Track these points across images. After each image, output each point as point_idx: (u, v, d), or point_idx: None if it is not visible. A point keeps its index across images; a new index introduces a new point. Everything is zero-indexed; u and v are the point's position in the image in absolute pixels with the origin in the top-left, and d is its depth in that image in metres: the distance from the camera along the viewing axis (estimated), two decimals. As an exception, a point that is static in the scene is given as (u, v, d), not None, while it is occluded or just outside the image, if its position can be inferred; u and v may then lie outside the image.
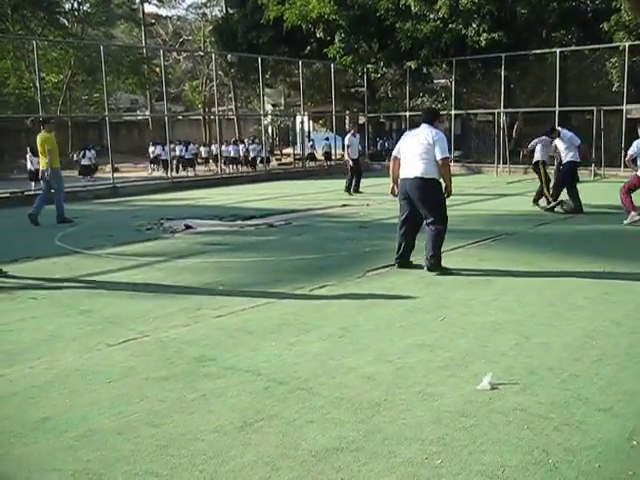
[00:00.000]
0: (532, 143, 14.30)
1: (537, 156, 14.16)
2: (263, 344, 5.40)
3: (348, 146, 18.74)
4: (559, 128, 13.94)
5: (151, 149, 34.03)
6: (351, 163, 18.64)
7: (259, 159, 32.04)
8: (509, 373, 4.60)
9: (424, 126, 8.13)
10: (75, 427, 3.95)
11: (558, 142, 13.43)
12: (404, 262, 8.31)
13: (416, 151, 7.93)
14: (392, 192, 8.50)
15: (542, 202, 14.02)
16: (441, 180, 8.03)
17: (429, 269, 7.99)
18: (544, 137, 13.96)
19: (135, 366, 4.95)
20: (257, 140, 35.04)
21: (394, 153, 8.36)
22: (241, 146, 34.24)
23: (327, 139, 34.61)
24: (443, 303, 6.60)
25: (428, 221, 8.00)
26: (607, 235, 10.72)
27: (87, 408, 4.23)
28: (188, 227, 12.49)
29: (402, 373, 4.67)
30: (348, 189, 18.38)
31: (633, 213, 11.56)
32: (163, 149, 31.11)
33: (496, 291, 7.06)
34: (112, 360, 5.11)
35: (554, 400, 4.14)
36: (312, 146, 35.72)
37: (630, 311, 6.18)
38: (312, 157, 34.62)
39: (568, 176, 13.37)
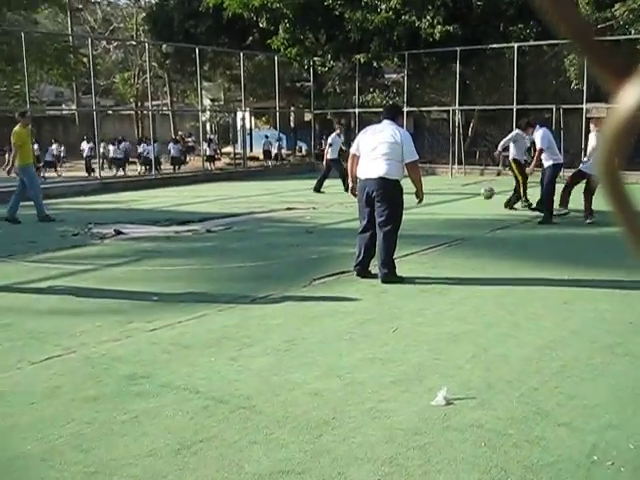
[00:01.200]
0: (504, 140, 14.45)
1: (511, 154, 14.32)
2: (201, 360, 5.37)
3: (330, 145, 19.34)
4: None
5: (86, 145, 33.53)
6: (325, 162, 19.55)
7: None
8: (466, 387, 4.67)
9: (386, 122, 8.23)
10: (-7, 453, 3.87)
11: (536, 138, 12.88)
12: (363, 270, 8.31)
13: (380, 150, 7.98)
14: (353, 192, 8.56)
15: (519, 205, 14.24)
16: (401, 182, 8.11)
17: (384, 280, 7.98)
18: (516, 132, 14.13)
19: (60, 386, 4.88)
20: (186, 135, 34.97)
21: (352, 150, 8.40)
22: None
23: (267, 137, 34.59)
24: (395, 313, 6.66)
25: (381, 222, 8.01)
26: (566, 239, 10.95)
27: (7, 433, 4.15)
28: (119, 232, 12.35)
29: (352, 389, 4.70)
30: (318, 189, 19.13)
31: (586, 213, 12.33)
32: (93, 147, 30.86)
33: (451, 300, 7.15)
34: (35, 379, 5.02)
35: (513, 415, 4.21)
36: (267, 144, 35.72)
37: (590, 320, 6.33)
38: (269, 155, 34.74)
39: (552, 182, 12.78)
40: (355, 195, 8.42)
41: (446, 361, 5.23)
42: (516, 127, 13.95)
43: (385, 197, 7.96)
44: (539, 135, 12.68)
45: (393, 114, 8.48)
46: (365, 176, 8.05)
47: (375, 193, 7.97)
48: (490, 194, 16.23)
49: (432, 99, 30.16)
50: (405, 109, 27.89)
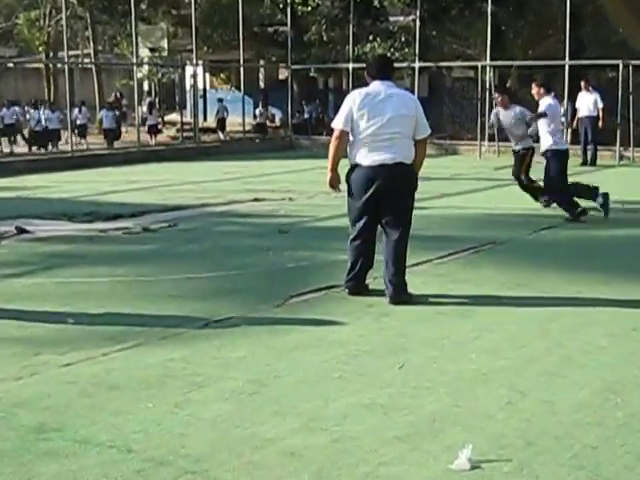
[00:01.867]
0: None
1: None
2: (135, 406, 5.35)
3: None
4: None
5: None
6: None
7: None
8: (498, 445, 4.66)
9: (386, 85, 8.21)
10: None
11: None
12: (359, 286, 8.35)
13: (394, 124, 8.01)
14: (333, 185, 8.54)
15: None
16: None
17: (396, 300, 7.97)
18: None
19: (-61, 440, 4.86)
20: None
21: (341, 125, 8.19)
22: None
23: (220, 100, 34.65)
24: (401, 344, 6.66)
25: (396, 223, 8.09)
26: (635, 244, 10.98)
27: None
28: (22, 231, 12.30)
29: (342, 446, 4.69)
30: None
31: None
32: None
33: (478, 326, 7.16)
34: None
35: (562, 484, 4.22)
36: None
37: (669, 355, 6.35)
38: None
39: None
40: (335, 188, 8.51)
41: (471, 409, 5.23)
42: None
43: (403, 191, 8.10)
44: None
45: (389, 70, 8.48)
46: (372, 161, 8.00)
47: (389, 184, 7.96)
48: None
49: (454, 51, 30.23)
50: (417, 65, 27.98)
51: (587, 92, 22.87)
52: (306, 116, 35.74)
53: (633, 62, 23.71)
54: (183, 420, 5.11)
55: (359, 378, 5.86)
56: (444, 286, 8.62)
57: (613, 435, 4.81)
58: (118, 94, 42.00)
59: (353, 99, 8.18)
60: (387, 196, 7.98)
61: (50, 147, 30.07)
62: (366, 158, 8.03)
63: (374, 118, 7.98)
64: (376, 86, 8.19)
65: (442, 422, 5.02)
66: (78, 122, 32.05)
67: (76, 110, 32.09)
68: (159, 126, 35.70)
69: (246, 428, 4.97)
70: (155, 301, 8.19)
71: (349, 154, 8.24)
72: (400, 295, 7.97)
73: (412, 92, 26.70)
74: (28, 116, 32.86)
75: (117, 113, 34.79)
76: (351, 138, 8.14)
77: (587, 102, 22.65)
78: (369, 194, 8.00)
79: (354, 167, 8.16)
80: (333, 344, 6.67)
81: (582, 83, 23.08)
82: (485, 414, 5.14)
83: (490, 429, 4.90)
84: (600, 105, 22.57)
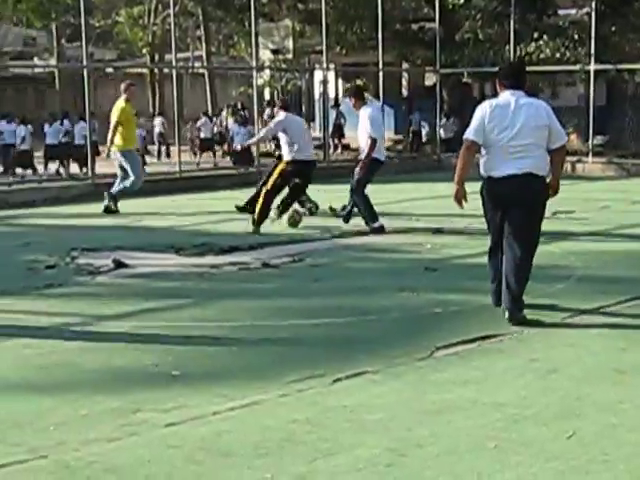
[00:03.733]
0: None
1: None
2: (250, 476, 5.39)
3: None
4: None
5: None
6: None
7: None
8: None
9: (517, 94, 9.19)
10: None
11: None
12: (499, 302, 9.23)
13: (526, 135, 8.97)
14: (459, 199, 9.49)
15: None
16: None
17: (513, 317, 8.91)
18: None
19: (22, 511, 4.96)
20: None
21: (472, 136, 9.19)
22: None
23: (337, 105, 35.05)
24: (572, 407, 6.58)
25: (517, 239, 9.06)
26: None
27: None
28: (120, 265, 12.52)
29: (498, 532, 4.65)
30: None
31: None
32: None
33: (668, 387, 7.03)
34: (-19, 500, 5.12)
35: None
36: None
37: None
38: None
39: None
40: (460, 203, 9.48)
41: (660, 492, 5.14)
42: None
43: (535, 204, 9.16)
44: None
45: (523, 79, 9.53)
46: (504, 172, 9.03)
47: (519, 196, 9.01)
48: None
49: (638, 51, 29.82)
50: (592, 67, 27.71)
51: None
52: (456, 129, 35.50)
53: None
54: (308, 494, 5.14)
55: (520, 449, 5.80)
56: (626, 338, 8.48)
57: None
58: (239, 104, 42.27)
59: (484, 110, 9.19)
60: (514, 207, 9.00)
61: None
62: (497, 171, 9.10)
63: (505, 130, 9.00)
64: (506, 97, 9.22)
65: (622, 506, 4.94)
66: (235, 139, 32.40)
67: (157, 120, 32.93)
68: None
69: (382, 506, 4.96)
70: (276, 351, 8.25)
71: (481, 167, 9.35)
72: (516, 314, 8.90)
73: (586, 101, 26.55)
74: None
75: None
76: (483, 151, 9.27)
77: None
78: (501, 206, 9.14)
79: (486, 180, 9.30)
80: (488, 407, 6.63)
81: None
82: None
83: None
84: None
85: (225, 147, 36.48)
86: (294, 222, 16.33)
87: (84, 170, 29.42)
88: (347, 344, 8.42)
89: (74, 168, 31.75)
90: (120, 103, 19.86)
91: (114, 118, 19.43)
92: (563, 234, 13.91)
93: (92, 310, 10.00)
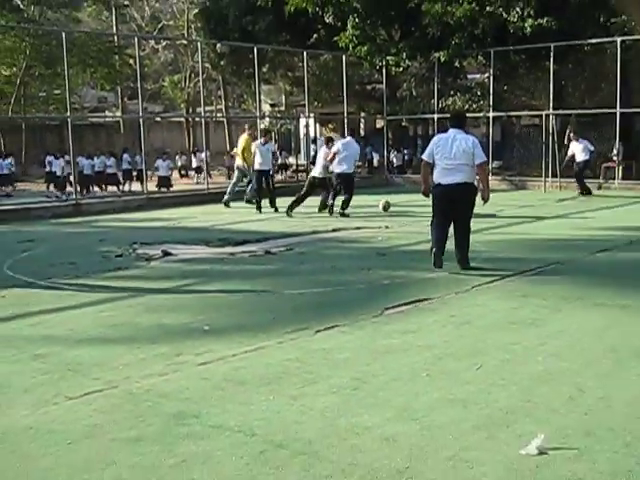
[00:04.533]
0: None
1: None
2: (258, 398, 5.39)
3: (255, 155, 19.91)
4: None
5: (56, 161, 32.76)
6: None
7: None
8: (561, 434, 4.58)
9: (456, 131, 10.26)
10: (26, 499, 3.94)
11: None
12: (441, 260, 10.10)
13: (459, 157, 10.02)
14: (425, 194, 10.47)
15: None
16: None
17: (462, 266, 10.22)
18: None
19: (100, 424, 4.94)
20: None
21: (425, 157, 10.40)
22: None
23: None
24: (479, 348, 6.59)
25: (460, 222, 10.25)
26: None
27: (41, 475, 4.21)
28: (167, 254, 12.51)
29: (429, 434, 4.65)
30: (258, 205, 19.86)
31: None
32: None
33: (544, 334, 7.04)
34: (72, 416, 5.09)
35: (616, 469, 4.11)
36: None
37: None
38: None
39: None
40: (427, 196, 10.44)
41: (538, 404, 5.14)
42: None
43: (467, 200, 10.22)
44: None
45: (462, 122, 10.57)
46: (448, 181, 10.02)
47: (457, 196, 10.09)
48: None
49: (522, 102, 29.89)
50: (491, 114, 27.82)
51: (576, 142, 22.72)
52: (396, 160, 35.37)
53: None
54: (297, 410, 5.13)
55: (443, 377, 5.81)
56: (516, 300, 8.50)
57: (661, 427, 4.68)
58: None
59: (434, 141, 10.42)
60: (456, 203, 10.13)
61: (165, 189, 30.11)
62: (443, 180, 10.08)
63: (445, 154, 10.07)
64: (449, 132, 10.30)
65: (513, 415, 4.95)
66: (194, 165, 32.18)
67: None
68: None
69: (349, 417, 4.96)
70: (275, 311, 8.23)
71: (434, 177, 10.25)
72: (464, 266, 10.24)
73: (486, 137, 26.61)
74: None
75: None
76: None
77: (579, 149, 22.55)
78: (445, 202, 10.13)
79: (436, 185, 10.21)
80: (422, 348, 6.63)
81: (571, 135, 23.37)
82: (550, 408, 5.05)
83: (554, 421, 4.81)
84: (591, 148, 22.65)
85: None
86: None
87: (140, 188, 29.38)
88: (324, 307, 8.42)
89: (135, 186, 31.57)
90: (244, 136, 21.32)
91: (240, 146, 21.19)
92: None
93: (148, 285, 9.98)
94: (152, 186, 27.80)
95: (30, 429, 4.88)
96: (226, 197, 21.44)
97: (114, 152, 33.63)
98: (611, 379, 5.67)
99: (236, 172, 22.16)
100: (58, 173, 31.13)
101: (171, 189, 29.93)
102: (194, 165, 38.21)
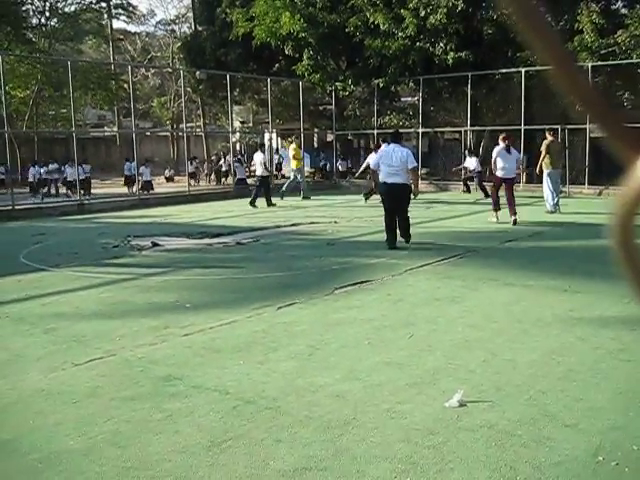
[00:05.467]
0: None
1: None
2: (231, 363, 5.37)
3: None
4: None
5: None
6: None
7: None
8: (477, 390, 4.62)
9: (395, 145, 11.31)
10: (39, 449, 3.89)
11: None
12: (392, 241, 11.22)
13: (396, 164, 11.00)
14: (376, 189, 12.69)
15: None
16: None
17: (407, 241, 11.37)
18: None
19: (101, 386, 4.89)
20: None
21: (374, 166, 11.68)
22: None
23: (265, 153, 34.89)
24: (410, 320, 6.63)
25: (400, 214, 11.26)
26: (572, 252, 10.85)
27: (52, 429, 4.16)
28: (155, 244, 12.40)
29: (370, 391, 4.67)
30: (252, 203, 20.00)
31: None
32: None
33: (463, 308, 7.10)
34: (77, 380, 5.04)
35: (522, 417, 4.16)
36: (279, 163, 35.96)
37: (595, 327, 6.25)
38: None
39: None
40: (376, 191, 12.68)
41: (458, 366, 5.19)
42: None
43: (404, 196, 11.27)
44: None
45: (399, 138, 11.67)
46: (391, 181, 11.02)
47: (397, 193, 11.07)
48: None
49: (445, 120, 30.04)
50: (420, 130, 27.96)
51: (469, 157, 23.31)
52: (341, 169, 35.34)
53: (568, 126, 23.43)
54: (263, 373, 5.12)
55: (382, 344, 5.84)
56: (440, 281, 8.56)
57: (556, 383, 4.75)
58: (221, 153, 42.01)
59: (380, 152, 11.73)
60: (396, 198, 11.15)
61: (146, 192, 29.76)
62: (387, 180, 11.10)
63: (387, 161, 11.09)
64: (391, 146, 11.35)
65: (439, 374, 4.98)
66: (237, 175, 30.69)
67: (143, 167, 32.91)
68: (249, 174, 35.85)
69: (305, 378, 4.96)
70: (245, 291, 8.21)
71: (380, 177, 11.33)
72: (407, 240, 11.37)
73: (416, 148, 26.72)
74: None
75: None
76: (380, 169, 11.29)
77: (472, 162, 23.07)
78: (389, 197, 11.22)
79: (382, 184, 11.26)
80: (364, 321, 6.65)
81: (466, 152, 23.90)
82: (468, 369, 5.10)
83: (472, 379, 4.86)
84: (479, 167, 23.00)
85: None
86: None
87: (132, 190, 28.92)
88: (285, 287, 8.41)
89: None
90: (293, 146, 22.90)
91: (291, 153, 22.54)
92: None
93: (140, 270, 9.89)
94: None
95: (42, 391, 4.82)
96: (283, 189, 22.16)
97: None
98: (517, 345, 5.73)
99: (292, 174, 22.90)
100: (30, 179, 30.85)
101: (151, 192, 29.28)
102: (190, 170, 37.69)
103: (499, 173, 14.14)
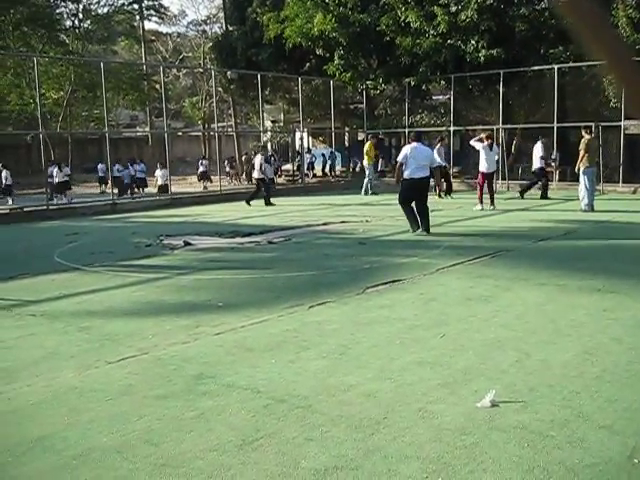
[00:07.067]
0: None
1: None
2: (262, 361, 5.39)
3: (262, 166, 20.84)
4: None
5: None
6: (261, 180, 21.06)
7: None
8: (509, 390, 4.59)
9: (419, 143, 12.77)
10: (73, 446, 3.93)
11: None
12: (416, 226, 12.71)
13: (422, 160, 12.48)
14: (398, 182, 12.96)
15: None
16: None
17: (427, 232, 12.52)
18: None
19: (134, 384, 4.94)
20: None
21: (401, 160, 12.71)
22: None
23: (298, 153, 34.91)
24: (442, 320, 6.59)
25: (422, 203, 12.64)
26: (607, 251, 10.72)
27: (85, 426, 4.21)
28: (187, 244, 12.49)
29: (402, 390, 4.65)
30: (249, 201, 20.81)
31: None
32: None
33: (496, 308, 7.05)
34: (110, 378, 5.09)
35: (555, 417, 4.12)
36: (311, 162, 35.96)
37: (629, 327, 6.17)
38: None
39: None
40: (398, 184, 13.00)
41: (491, 365, 5.15)
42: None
43: (427, 189, 12.91)
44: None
45: (420, 138, 13.03)
46: (417, 176, 12.43)
47: (422, 186, 12.63)
48: None
49: (477, 119, 29.85)
50: (452, 128, 27.83)
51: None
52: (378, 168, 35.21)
53: (602, 124, 23.14)
54: (295, 371, 5.13)
55: (414, 343, 5.81)
56: (472, 280, 8.50)
57: (590, 384, 4.69)
58: (252, 153, 42.10)
59: (406, 149, 12.79)
60: (422, 190, 12.66)
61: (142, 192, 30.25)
62: (414, 175, 12.48)
63: (413, 157, 12.47)
64: (413, 145, 12.72)
65: (471, 374, 4.95)
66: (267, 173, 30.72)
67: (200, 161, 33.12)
68: (278, 173, 35.83)
69: (337, 377, 4.96)
70: (276, 290, 8.23)
71: (405, 173, 12.58)
72: (428, 230, 12.56)
73: (449, 147, 26.56)
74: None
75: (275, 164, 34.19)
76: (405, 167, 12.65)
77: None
78: (416, 190, 12.57)
79: (408, 179, 12.54)
80: (396, 320, 6.63)
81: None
82: (500, 369, 5.06)
83: (504, 379, 4.82)
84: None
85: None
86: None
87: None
88: (316, 286, 8.41)
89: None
90: (369, 143, 24.01)
91: (366, 149, 23.70)
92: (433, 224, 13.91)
93: (172, 269, 9.96)
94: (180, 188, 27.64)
95: (76, 388, 4.88)
96: (366, 187, 23.60)
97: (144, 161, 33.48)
98: (550, 345, 5.68)
99: (366, 170, 24.13)
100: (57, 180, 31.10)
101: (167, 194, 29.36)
102: (227, 170, 37.94)
103: (484, 169, 17.07)
